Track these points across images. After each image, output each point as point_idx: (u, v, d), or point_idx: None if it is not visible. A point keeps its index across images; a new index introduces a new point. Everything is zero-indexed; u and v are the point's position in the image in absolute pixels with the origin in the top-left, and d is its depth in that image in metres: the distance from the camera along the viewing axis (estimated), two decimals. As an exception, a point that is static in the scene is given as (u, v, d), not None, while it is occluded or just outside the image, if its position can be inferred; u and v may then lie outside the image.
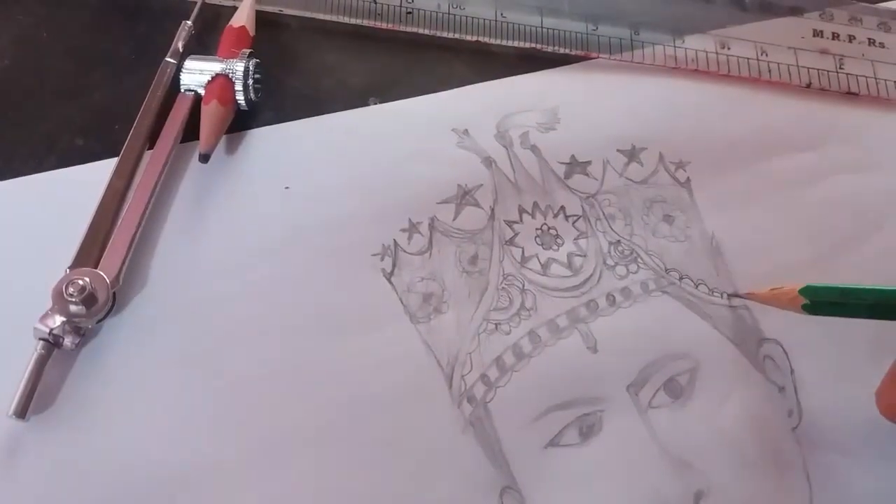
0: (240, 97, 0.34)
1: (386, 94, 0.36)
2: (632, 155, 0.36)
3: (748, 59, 0.39)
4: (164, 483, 0.29)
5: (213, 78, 0.33)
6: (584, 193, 0.35)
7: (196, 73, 0.34)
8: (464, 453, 0.30)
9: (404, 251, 0.33)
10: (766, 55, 0.39)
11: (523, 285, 0.32)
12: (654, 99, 0.38)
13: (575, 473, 0.30)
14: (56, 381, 0.30)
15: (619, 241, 0.34)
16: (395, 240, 0.33)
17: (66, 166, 0.34)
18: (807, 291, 0.28)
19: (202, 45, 0.36)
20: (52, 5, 0.37)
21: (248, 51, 0.34)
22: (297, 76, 0.36)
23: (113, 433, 0.29)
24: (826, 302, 0.28)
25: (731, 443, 0.31)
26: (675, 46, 0.38)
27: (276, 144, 0.34)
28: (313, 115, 0.36)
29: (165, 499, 0.29)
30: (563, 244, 0.33)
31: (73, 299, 0.29)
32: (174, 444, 0.29)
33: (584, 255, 0.33)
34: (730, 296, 0.32)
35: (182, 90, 0.34)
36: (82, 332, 0.30)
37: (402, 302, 0.32)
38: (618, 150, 0.36)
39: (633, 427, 0.30)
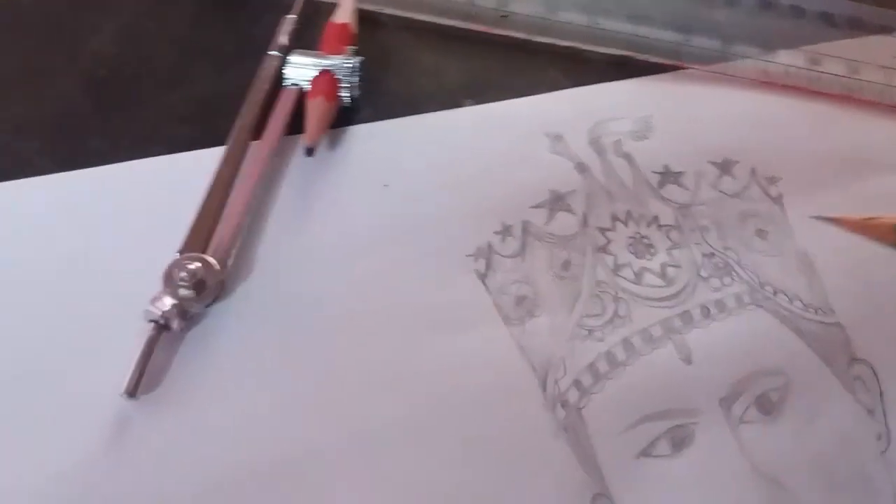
0: (344, 94, 0.33)
1: (480, 96, 0.36)
2: (724, 168, 0.35)
3: (839, 76, 0.38)
4: (263, 467, 0.28)
5: (318, 73, 0.33)
6: (677, 204, 0.34)
7: (301, 68, 0.33)
8: (556, 457, 0.29)
9: (498, 253, 0.32)
10: (858, 73, 0.38)
11: (616, 293, 0.32)
12: (745, 112, 0.37)
13: (666, 484, 0.29)
14: (163, 363, 0.29)
15: (713, 253, 0.33)
16: (489, 242, 0.33)
17: (169, 153, 0.33)
18: None
19: (300, 38, 0.36)
20: (156, -4, 0.37)
21: (354, 48, 0.34)
22: (394, 74, 0.36)
23: (215, 416, 0.29)
24: None
25: (821, 463, 0.30)
26: (766, 60, 0.38)
27: (376, 142, 0.34)
28: (409, 114, 0.35)
29: (263, 482, 0.28)
30: (656, 254, 0.33)
31: (185, 283, 0.29)
32: (272, 429, 0.29)
33: (678, 266, 0.33)
34: (813, 217, 0.31)
35: (286, 84, 0.33)
36: (189, 316, 0.29)
37: (495, 303, 0.32)
38: (710, 162, 0.35)
39: (725, 441, 0.30)
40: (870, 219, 0.26)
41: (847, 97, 0.37)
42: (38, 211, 0.32)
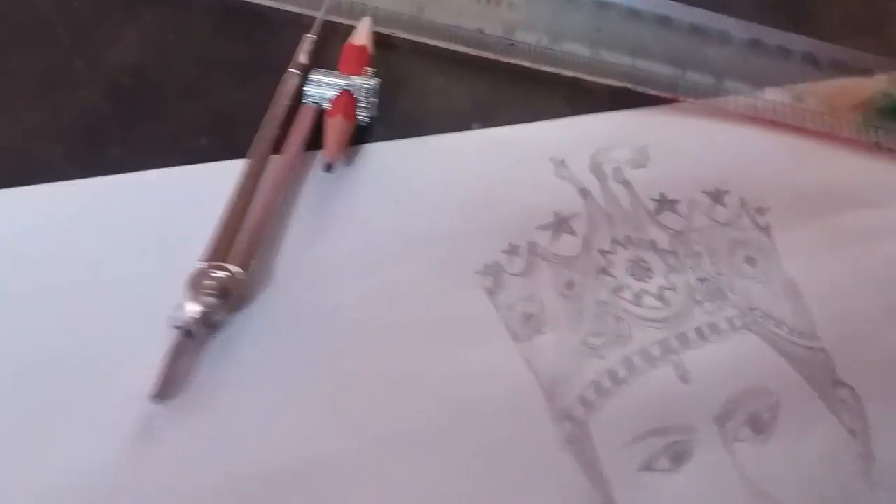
0: (361, 113, 0.34)
1: (487, 119, 0.37)
2: (716, 197, 0.36)
3: (821, 113, 0.39)
4: (280, 470, 0.29)
5: (339, 93, 0.33)
6: (673, 230, 0.35)
7: (321, 87, 0.34)
8: (563, 469, 0.30)
9: (506, 271, 0.33)
10: (838, 112, 0.39)
11: (617, 313, 0.33)
12: (735, 145, 0.38)
13: (667, 497, 0.30)
14: (186, 368, 0.30)
15: (706, 278, 0.34)
16: (496, 260, 0.33)
17: (190, 163, 0.33)
18: None
19: (318, 57, 0.36)
20: (178, 8, 0.37)
21: (373, 70, 0.34)
22: (406, 96, 0.37)
23: (236, 420, 0.29)
24: None
25: (808, 479, 0.31)
26: (754, 97, 0.39)
27: (388, 160, 0.35)
28: (420, 135, 0.36)
29: (280, 485, 0.29)
30: (653, 277, 0.34)
31: (210, 292, 0.29)
32: (290, 434, 0.29)
33: (674, 290, 0.33)
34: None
35: (305, 101, 0.34)
36: (211, 323, 0.30)
37: (503, 319, 0.32)
38: (703, 192, 0.36)
39: (720, 457, 0.31)
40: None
41: (827, 134, 0.38)
42: (62, 215, 0.32)
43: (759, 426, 0.31)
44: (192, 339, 0.29)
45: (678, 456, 0.30)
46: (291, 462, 0.29)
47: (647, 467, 0.30)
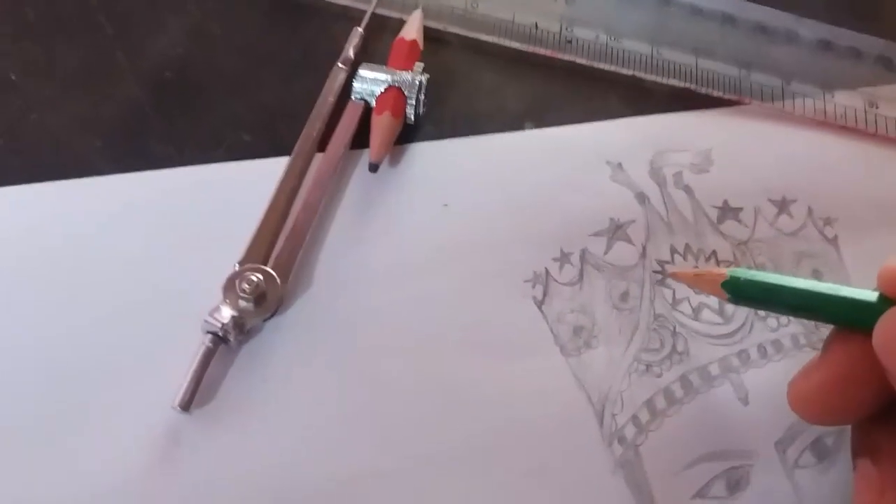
0: (410, 111, 0.32)
1: (541, 119, 0.35)
2: (782, 206, 0.34)
3: None
4: (313, 485, 0.27)
5: (385, 89, 0.31)
6: (735, 240, 0.33)
7: (369, 83, 0.32)
8: (613, 494, 0.28)
9: (555, 280, 0.31)
10: (915, 118, 0.36)
11: (674, 328, 0.30)
12: (803, 151, 0.35)
13: (722, 527, 0.28)
14: (217, 376, 0.28)
15: (770, 292, 0.31)
16: (546, 268, 0.31)
17: (232, 160, 0.32)
18: (729, 284, 0.25)
19: (366, 51, 0.35)
20: (223, 0, 0.35)
21: (422, 65, 0.32)
22: (455, 93, 0.35)
23: (268, 433, 0.28)
24: (749, 297, 0.25)
25: (875, 512, 0.28)
26: (824, 101, 0.36)
27: (437, 160, 0.33)
28: (469, 134, 0.34)
29: (313, 501, 0.27)
30: (714, 290, 0.31)
31: (246, 295, 0.27)
32: (325, 448, 0.28)
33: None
34: (654, 272, 0.31)
35: (353, 97, 0.32)
36: (246, 329, 0.28)
37: (552, 332, 0.30)
38: (769, 200, 0.34)
39: (780, 485, 0.28)
40: (699, 274, 0.26)
41: (903, 141, 0.36)
42: (98, 211, 0.31)
43: (823, 452, 0.29)
44: (226, 345, 0.27)
45: (735, 483, 0.28)
46: (324, 478, 0.27)
47: (702, 494, 0.28)
